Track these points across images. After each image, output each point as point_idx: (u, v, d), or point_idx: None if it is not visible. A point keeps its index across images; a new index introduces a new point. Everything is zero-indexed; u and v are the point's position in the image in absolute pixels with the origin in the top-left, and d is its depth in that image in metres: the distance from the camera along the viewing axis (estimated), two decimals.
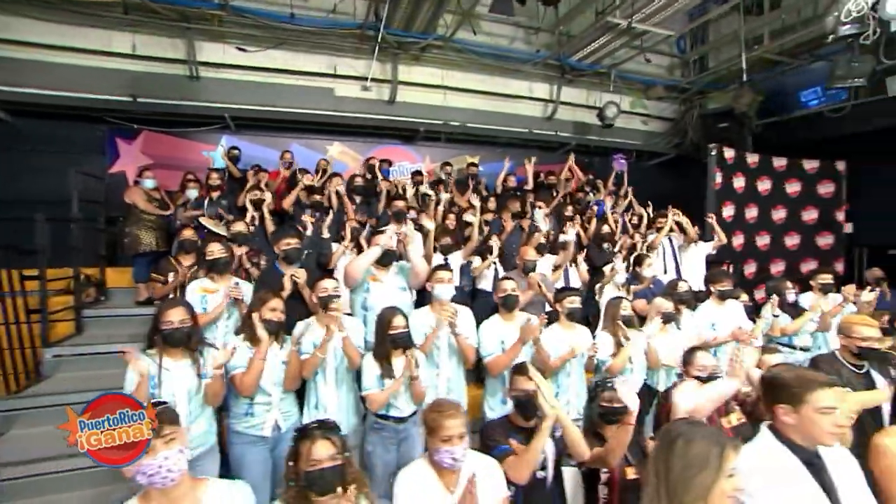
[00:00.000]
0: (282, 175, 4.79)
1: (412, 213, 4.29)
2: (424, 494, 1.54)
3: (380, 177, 5.24)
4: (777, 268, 6.25)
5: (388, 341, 2.35)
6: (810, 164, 6.40)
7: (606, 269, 4.07)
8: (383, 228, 3.12)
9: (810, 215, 6.43)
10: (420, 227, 3.68)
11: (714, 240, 4.94)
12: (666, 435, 1.25)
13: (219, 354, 2.02)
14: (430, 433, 1.57)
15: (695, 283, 4.00)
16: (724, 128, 6.16)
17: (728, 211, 5.73)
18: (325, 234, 3.68)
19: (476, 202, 4.74)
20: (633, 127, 7.37)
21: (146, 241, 4.35)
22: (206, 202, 4.16)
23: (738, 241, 5.88)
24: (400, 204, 3.91)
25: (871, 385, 2.39)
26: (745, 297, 3.88)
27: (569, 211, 5.07)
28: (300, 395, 2.48)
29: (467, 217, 4.06)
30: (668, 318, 3.19)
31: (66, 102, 4.79)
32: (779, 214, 6.25)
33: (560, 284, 4.11)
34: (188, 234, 3.36)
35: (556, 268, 4.14)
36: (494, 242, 3.70)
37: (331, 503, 1.41)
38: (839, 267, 6.55)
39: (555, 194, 5.65)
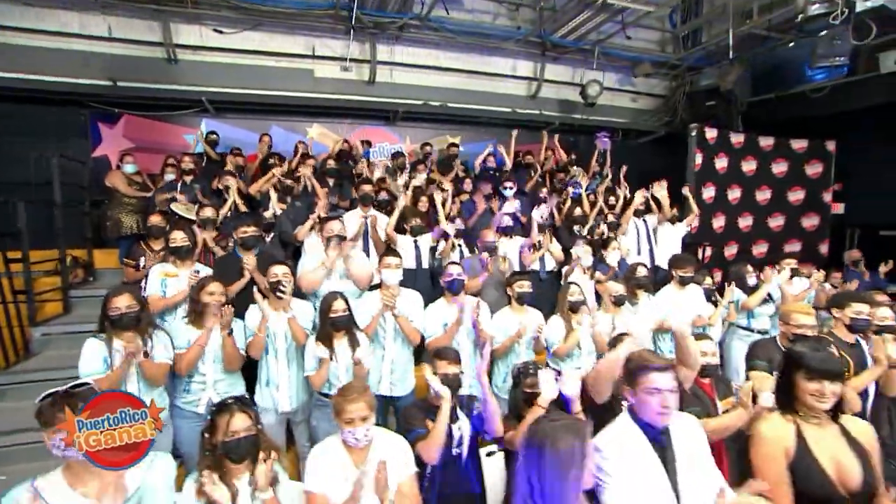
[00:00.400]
0: (259, 159, 4.88)
1: (384, 195, 4.38)
2: (333, 467, 1.68)
3: (359, 158, 5.30)
4: (759, 249, 6.24)
5: (329, 324, 2.48)
6: (798, 144, 6.29)
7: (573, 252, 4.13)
8: (332, 216, 3.21)
9: (796, 196, 6.36)
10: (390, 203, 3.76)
11: (688, 218, 4.95)
12: (533, 437, 1.35)
13: (137, 343, 2.16)
14: (336, 415, 1.70)
15: None
16: (712, 106, 6.04)
17: (709, 192, 5.70)
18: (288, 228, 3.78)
19: (447, 185, 4.81)
20: (621, 105, 7.26)
21: (127, 224, 4.51)
22: (179, 186, 4.27)
23: (720, 222, 5.87)
24: (366, 188, 3.98)
25: None
26: (708, 280, 3.93)
27: (543, 192, 5.10)
28: (251, 375, 2.65)
29: (437, 197, 4.12)
30: (618, 301, 3.27)
31: (48, 87, 4.87)
32: (763, 195, 6.19)
33: (537, 266, 4.21)
34: (156, 220, 3.48)
35: (533, 248, 4.17)
36: (448, 226, 3.77)
37: (245, 470, 1.56)
38: (824, 248, 6.53)
39: (532, 174, 5.66)
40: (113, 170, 4.75)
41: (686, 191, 4.87)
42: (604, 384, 1.92)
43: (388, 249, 3.14)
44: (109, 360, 2.13)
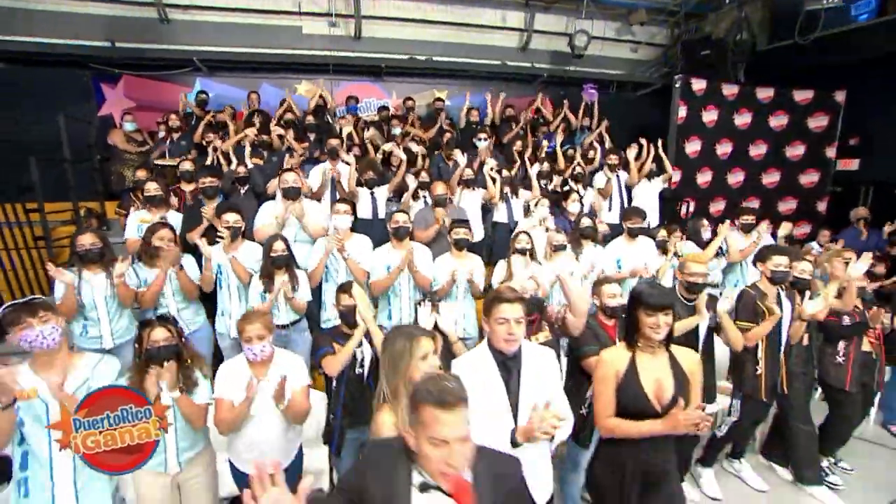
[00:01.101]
0: (244, 116, 5.16)
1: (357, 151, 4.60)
2: (237, 378, 2.04)
3: (333, 113, 5.49)
4: (751, 206, 6.08)
5: (270, 262, 2.83)
6: (802, 95, 5.96)
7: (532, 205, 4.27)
8: (287, 169, 3.48)
9: (795, 151, 6.10)
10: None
11: (664, 175, 4.94)
12: (383, 341, 1.66)
13: (117, 267, 2.57)
14: (239, 335, 2.05)
15: (650, 220, 4.12)
16: (706, 56, 5.75)
17: (693, 146, 5.57)
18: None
19: (423, 137, 4.97)
20: (619, 56, 6.99)
21: (129, 177, 4.96)
22: (168, 142, 4.63)
23: (705, 178, 5.76)
24: (333, 142, 4.21)
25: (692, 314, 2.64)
26: (662, 233, 3.99)
27: (518, 145, 5.15)
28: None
29: (396, 152, 4.31)
30: (557, 248, 3.46)
31: (53, 50, 5.25)
32: (758, 150, 5.98)
33: (503, 217, 4.42)
34: (141, 174, 3.87)
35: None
36: (411, 180, 3.97)
37: (165, 374, 1.94)
38: (821, 206, 6.31)
39: (513, 126, 5.69)
40: (113, 129, 5.16)
41: (660, 146, 4.82)
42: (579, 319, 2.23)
43: (340, 198, 3.42)
44: (78, 288, 2.57)
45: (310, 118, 5.11)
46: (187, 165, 3.92)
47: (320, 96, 5.64)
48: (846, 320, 3.06)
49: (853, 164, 6.28)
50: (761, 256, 2.84)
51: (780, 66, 6.12)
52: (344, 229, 3.16)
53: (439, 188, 3.78)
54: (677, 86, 5.28)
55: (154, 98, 5.72)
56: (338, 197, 4.14)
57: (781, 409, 3.10)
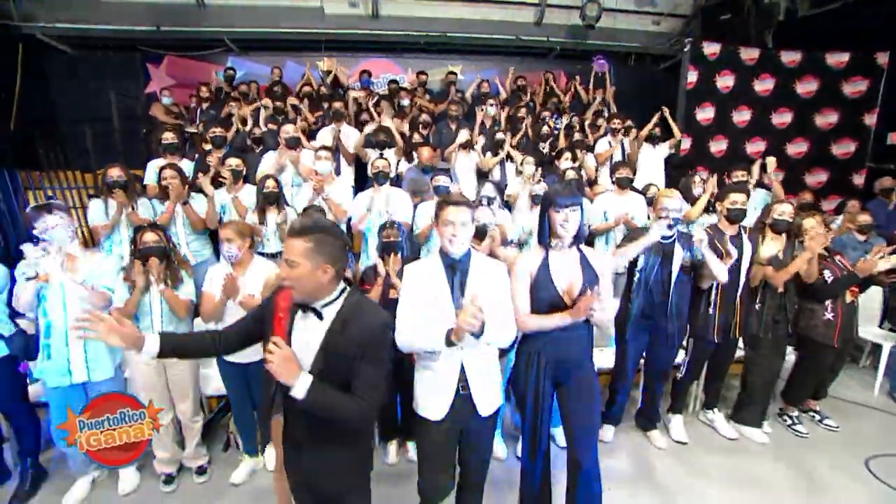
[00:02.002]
0: (266, 88, 5.64)
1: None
2: (220, 276, 2.35)
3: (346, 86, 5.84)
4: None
5: (263, 198, 3.19)
6: (836, 59, 5.56)
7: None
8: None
9: (827, 119, 5.72)
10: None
11: (671, 140, 4.87)
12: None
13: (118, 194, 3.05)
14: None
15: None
16: (726, 21, 5.53)
17: (705, 113, 5.39)
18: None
19: (430, 109, 5.20)
20: (639, 28, 6.84)
21: None
22: (198, 111, 5.16)
23: (720, 146, 5.56)
24: (337, 104, 4.54)
25: (670, 253, 2.69)
26: (653, 189, 3.97)
27: (522, 112, 5.22)
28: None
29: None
30: (535, 201, 3.58)
31: (109, 34, 5.97)
32: (782, 118, 5.66)
33: (496, 178, 4.56)
34: (168, 136, 4.33)
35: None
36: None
37: (153, 270, 2.30)
38: (858, 180, 5.88)
39: (522, 97, 5.78)
40: (154, 102, 5.80)
41: (666, 113, 4.74)
42: None
43: (323, 146, 3.72)
44: (106, 211, 3.04)
45: (324, 90, 5.47)
46: (218, 131, 4.35)
47: (335, 70, 6.00)
48: (827, 275, 2.97)
49: None
50: (720, 195, 2.83)
51: (814, 30, 5.77)
52: (324, 173, 3.46)
53: (425, 153, 3.98)
54: (686, 49, 5.14)
55: (191, 76, 6.34)
56: (341, 158, 4.50)
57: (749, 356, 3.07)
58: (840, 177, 5.83)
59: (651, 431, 3.06)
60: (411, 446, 2.80)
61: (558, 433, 2.84)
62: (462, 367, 1.71)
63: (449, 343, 1.62)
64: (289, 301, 1.35)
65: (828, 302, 3.01)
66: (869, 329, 3.90)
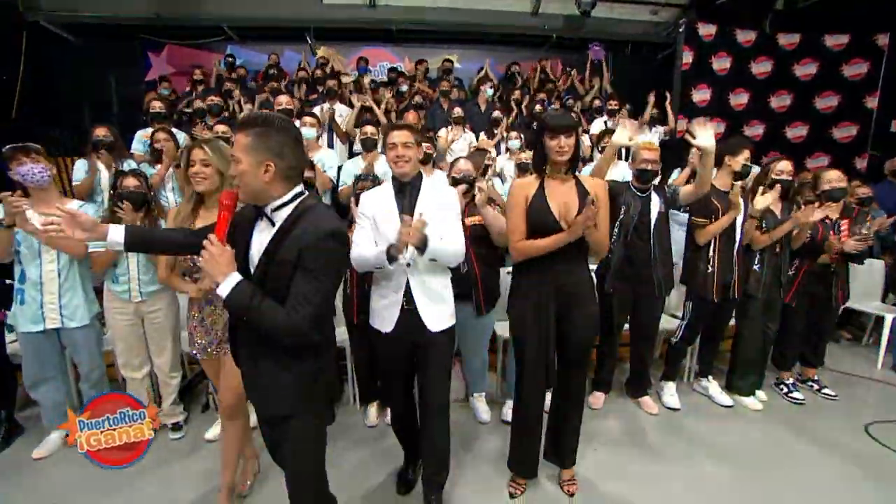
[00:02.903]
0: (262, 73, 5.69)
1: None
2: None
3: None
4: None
5: None
6: (836, 41, 5.53)
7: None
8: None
9: (827, 102, 5.66)
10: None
11: (665, 127, 4.83)
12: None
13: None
14: None
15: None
16: (721, 4, 5.50)
17: (701, 95, 5.36)
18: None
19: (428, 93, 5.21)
20: (635, 18, 6.82)
21: None
22: (193, 94, 5.20)
23: (718, 129, 5.49)
24: (330, 83, 4.56)
25: (647, 202, 2.65)
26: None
27: (517, 94, 5.22)
28: None
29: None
30: (521, 168, 3.55)
31: (109, 22, 6.07)
32: (781, 101, 5.62)
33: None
34: (156, 104, 4.35)
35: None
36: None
37: (126, 214, 2.28)
38: (861, 164, 5.78)
39: (516, 83, 5.77)
40: (150, 92, 5.85)
41: (652, 99, 4.71)
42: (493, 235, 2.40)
43: (308, 112, 3.73)
44: (88, 170, 3.05)
45: (319, 72, 5.50)
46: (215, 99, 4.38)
47: (323, 58, 6.05)
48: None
49: None
50: (731, 150, 2.76)
51: (811, 15, 5.73)
52: (309, 138, 3.46)
53: (410, 117, 3.98)
54: (681, 30, 5.11)
55: (191, 64, 6.38)
56: (334, 135, 4.50)
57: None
58: (842, 161, 5.73)
59: (642, 398, 2.97)
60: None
61: None
62: (407, 284, 1.77)
63: (391, 258, 1.66)
64: (232, 200, 1.25)
65: (796, 261, 3.02)
66: (871, 303, 3.78)
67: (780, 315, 3.05)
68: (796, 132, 5.71)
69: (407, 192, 1.81)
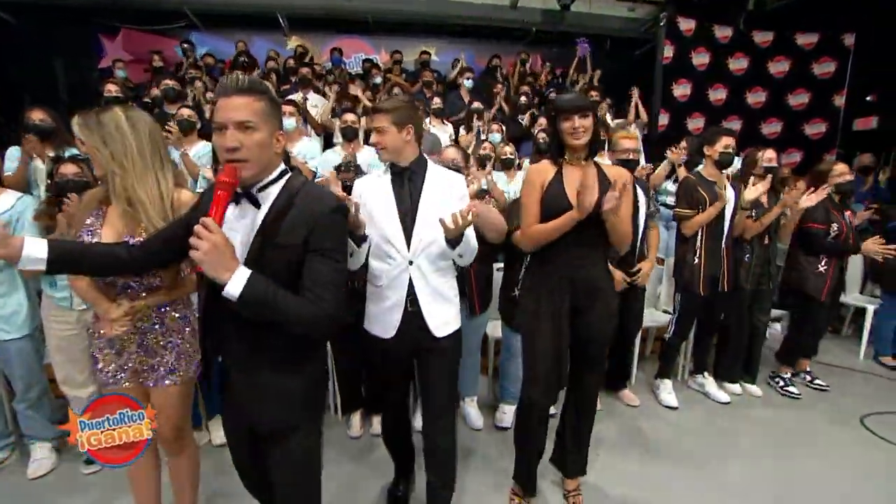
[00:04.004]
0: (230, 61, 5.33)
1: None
2: None
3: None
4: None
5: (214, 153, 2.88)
6: (806, 39, 5.65)
7: None
8: None
9: (799, 100, 5.78)
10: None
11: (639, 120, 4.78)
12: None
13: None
14: None
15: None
16: (698, 4, 5.52)
17: (682, 90, 5.36)
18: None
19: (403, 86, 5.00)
20: (614, 13, 6.82)
21: None
22: (152, 83, 4.80)
23: (697, 124, 5.52)
24: (304, 70, 4.29)
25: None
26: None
27: (498, 87, 5.07)
28: None
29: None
30: (505, 164, 3.41)
31: (59, 3, 5.55)
32: (757, 98, 5.69)
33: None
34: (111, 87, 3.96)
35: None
36: None
37: (71, 205, 1.97)
38: (830, 159, 5.94)
39: (498, 76, 5.63)
40: (110, 78, 5.39)
41: (634, 96, 4.66)
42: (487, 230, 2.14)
43: (288, 100, 3.46)
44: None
45: (291, 62, 5.20)
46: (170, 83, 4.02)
47: (302, 47, 5.75)
48: (834, 229, 2.87)
49: (871, 123, 5.89)
50: (709, 139, 2.69)
51: (782, 15, 5.84)
52: (289, 130, 3.20)
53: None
54: (662, 24, 5.09)
55: (150, 50, 5.93)
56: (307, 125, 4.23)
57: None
58: (813, 157, 5.87)
59: (622, 391, 2.90)
60: (377, 420, 2.52)
61: None
62: (410, 283, 1.56)
63: (357, 241, 1.47)
64: (233, 178, 1.02)
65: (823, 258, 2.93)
66: (851, 294, 3.82)
67: (769, 308, 3.03)
68: (771, 128, 5.80)
69: (406, 179, 1.60)
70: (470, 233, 1.53)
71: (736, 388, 3.01)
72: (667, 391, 2.92)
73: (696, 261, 2.65)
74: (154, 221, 1.35)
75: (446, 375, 1.67)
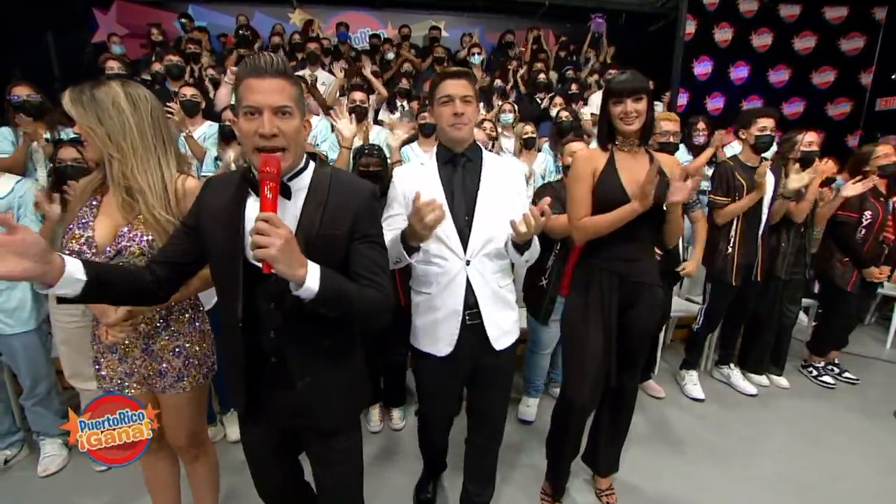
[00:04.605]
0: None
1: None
2: None
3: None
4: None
5: (228, 132, 2.73)
6: (835, 13, 5.39)
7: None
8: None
9: (824, 78, 5.56)
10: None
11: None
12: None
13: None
14: None
15: None
16: None
17: (703, 68, 5.14)
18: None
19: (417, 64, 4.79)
20: None
21: None
22: (153, 56, 4.57)
23: (716, 104, 5.32)
24: (311, 45, 4.07)
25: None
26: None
27: (513, 64, 4.87)
28: None
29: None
30: (527, 145, 3.24)
31: None
32: (779, 76, 5.47)
33: None
34: (112, 64, 3.77)
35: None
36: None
37: (69, 191, 1.84)
38: (853, 141, 5.75)
39: (510, 54, 5.39)
40: (107, 53, 5.15)
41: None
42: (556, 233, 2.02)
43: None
44: (15, 142, 2.52)
45: (297, 37, 4.96)
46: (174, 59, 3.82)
47: (309, 22, 5.48)
48: (867, 216, 2.74)
49: (894, 103, 5.68)
50: (744, 121, 2.53)
51: None
52: None
53: (425, 86, 3.60)
54: None
55: (148, 23, 5.66)
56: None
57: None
58: (835, 139, 5.68)
59: (646, 382, 2.82)
60: (396, 413, 2.44)
61: None
62: (469, 286, 1.37)
63: (410, 250, 1.26)
64: (278, 167, 0.90)
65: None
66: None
67: (800, 298, 2.92)
68: (793, 108, 5.61)
69: (460, 166, 1.40)
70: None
71: (763, 379, 2.93)
72: (692, 383, 2.83)
73: (730, 250, 2.53)
74: (155, 212, 1.19)
75: (504, 395, 1.56)
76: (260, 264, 0.85)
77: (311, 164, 1.06)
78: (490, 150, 2.07)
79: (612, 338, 1.63)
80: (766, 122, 2.45)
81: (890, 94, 5.58)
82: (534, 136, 3.21)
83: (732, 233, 2.53)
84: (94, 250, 1.20)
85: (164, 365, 1.30)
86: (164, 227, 1.20)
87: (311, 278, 0.87)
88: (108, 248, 1.20)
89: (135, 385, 1.31)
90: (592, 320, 1.60)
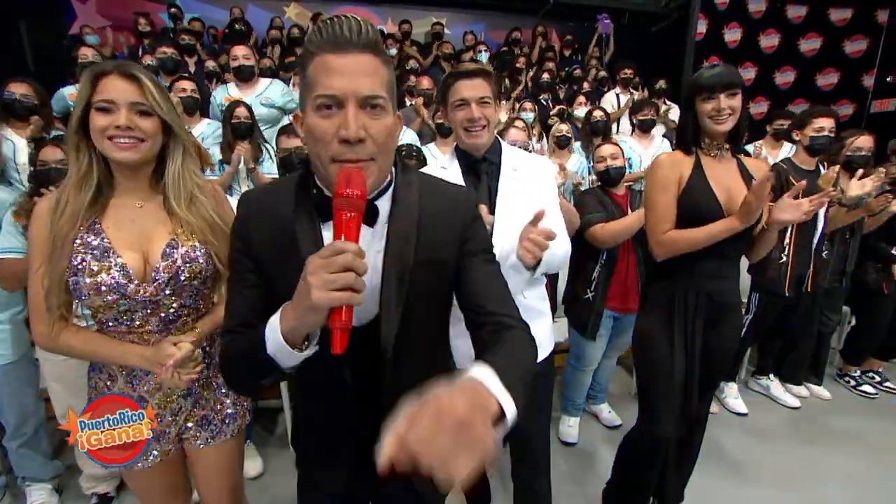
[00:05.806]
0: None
1: None
2: None
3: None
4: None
5: (230, 130, 2.44)
6: (839, 15, 5.39)
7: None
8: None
9: (828, 80, 5.56)
10: None
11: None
12: None
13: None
14: None
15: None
16: None
17: None
18: None
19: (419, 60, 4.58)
20: None
21: None
22: (140, 49, 4.25)
23: None
24: (300, 50, 3.82)
25: None
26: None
27: (521, 62, 4.71)
28: None
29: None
30: (560, 143, 3.05)
31: None
32: (785, 78, 5.45)
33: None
34: (87, 52, 3.43)
35: None
36: None
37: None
38: None
39: (515, 53, 5.23)
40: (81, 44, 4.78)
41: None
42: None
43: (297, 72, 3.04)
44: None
45: (296, 31, 4.69)
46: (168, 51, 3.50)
47: (317, 15, 5.21)
48: None
49: (889, 105, 5.71)
50: (799, 122, 2.40)
51: None
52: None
53: (424, 82, 3.38)
54: None
55: (130, 16, 5.29)
56: None
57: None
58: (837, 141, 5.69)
59: None
60: None
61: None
62: None
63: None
64: (363, 189, 0.61)
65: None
66: None
67: (841, 307, 2.82)
68: (797, 110, 5.56)
69: (483, 173, 1.26)
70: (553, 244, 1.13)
71: (802, 390, 2.82)
72: (733, 396, 2.70)
73: (784, 258, 2.39)
74: (213, 213, 1.01)
75: (545, 416, 1.41)
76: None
77: (392, 171, 0.77)
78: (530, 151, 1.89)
79: (696, 363, 1.46)
80: (824, 123, 2.32)
81: (887, 96, 5.63)
82: (569, 135, 3.03)
83: (787, 241, 2.39)
84: (134, 281, 0.94)
85: (208, 411, 1.07)
86: (218, 234, 0.99)
87: (507, 406, 0.52)
88: (157, 273, 0.95)
89: (165, 449, 1.08)
90: (677, 349, 1.43)
